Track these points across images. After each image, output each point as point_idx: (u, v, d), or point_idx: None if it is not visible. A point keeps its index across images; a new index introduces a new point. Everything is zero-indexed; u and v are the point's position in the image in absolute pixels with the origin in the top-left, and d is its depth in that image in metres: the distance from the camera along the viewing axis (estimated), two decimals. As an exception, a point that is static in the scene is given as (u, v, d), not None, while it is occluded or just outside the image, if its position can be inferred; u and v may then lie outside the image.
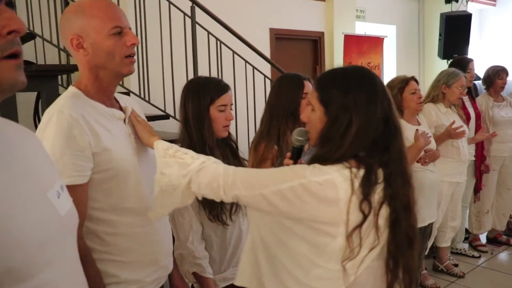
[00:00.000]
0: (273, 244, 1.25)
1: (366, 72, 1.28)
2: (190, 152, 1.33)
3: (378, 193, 1.17)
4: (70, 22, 1.33)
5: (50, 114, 1.28)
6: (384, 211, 1.18)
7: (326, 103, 1.23)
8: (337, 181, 1.13)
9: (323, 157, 1.19)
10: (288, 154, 1.41)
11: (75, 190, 1.23)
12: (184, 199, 1.31)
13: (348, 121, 1.18)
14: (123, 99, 1.52)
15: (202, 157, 1.31)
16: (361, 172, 1.16)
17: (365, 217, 1.14)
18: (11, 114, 2.92)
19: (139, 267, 1.40)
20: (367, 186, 1.15)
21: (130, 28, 1.37)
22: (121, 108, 1.46)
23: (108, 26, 1.31)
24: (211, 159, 1.31)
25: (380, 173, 1.18)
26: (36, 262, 0.77)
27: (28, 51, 3.66)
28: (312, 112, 1.27)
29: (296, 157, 1.39)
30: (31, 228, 0.77)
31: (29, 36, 3.18)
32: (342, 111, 1.19)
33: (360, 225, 1.14)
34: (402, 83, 2.91)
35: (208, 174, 1.26)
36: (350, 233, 1.14)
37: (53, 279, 0.80)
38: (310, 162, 1.20)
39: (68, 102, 1.31)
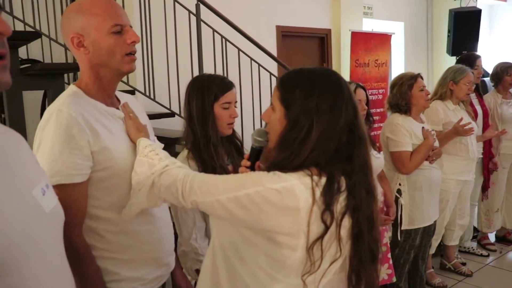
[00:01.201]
0: (232, 255, 1.19)
1: (333, 75, 1.19)
2: (161, 153, 1.31)
3: (340, 203, 1.11)
4: (70, 21, 1.33)
5: (50, 113, 1.29)
6: (346, 222, 1.12)
7: (288, 104, 1.15)
8: (297, 189, 1.07)
9: (281, 164, 1.12)
10: (246, 155, 1.34)
11: (74, 189, 1.24)
12: (151, 200, 1.29)
13: (308, 126, 1.11)
14: (123, 98, 1.52)
15: (168, 160, 1.28)
16: (323, 180, 1.09)
17: (327, 228, 1.08)
18: (18, 112, 2.94)
19: (140, 265, 1.40)
20: (329, 196, 1.08)
21: (130, 26, 1.37)
22: None
23: (108, 24, 1.31)
24: (176, 163, 1.28)
25: (343, 182, 1.12)
26: (18, 257, 0.78)
27: (34, 50, 3.69)
28: (273, 112, 1.19)
29: (254, 159, 1.31)
30: (14, 224, 0.78)
31: (35, 35, 3.20)
32: (303, 115, 1.11)
33: (321, 237, 1.08)
34: (412, 79, 2.88)
35: (168, 178, 1.23)
36: (311, 245, 1.08)
37: (36, 275, 0.81)
38: (269, 168, 1.13)
39: (68, 101, 1.31)
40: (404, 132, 2.81)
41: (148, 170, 1.27)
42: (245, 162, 1.32)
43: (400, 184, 2.86)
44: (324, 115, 1.12)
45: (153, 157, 1.29)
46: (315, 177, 1.09)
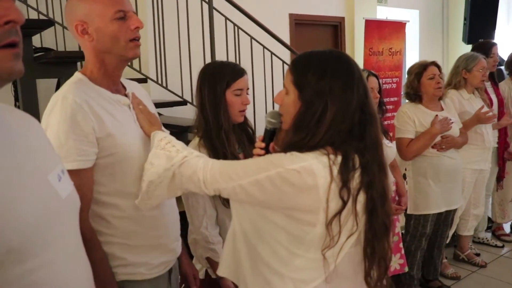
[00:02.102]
0: (252, 235, 1.23)
1: (344, 57, 1.23)
2: (178, 145, 1.33)
3: (355, 179, 1.15)
4: (74, 9, 1.34)
5: (55, 100, 1.31)
6: (362, 197, 1.17)
7: (301, 86, 1.19)
8: (315, 168, 1.11)
9: (298, 144, 1.16)
10: (260, 136, 1.36)
11: (79, 174, 1.25)
12: (171, 191, 1.32)
13: (323, 108, 1.14)
14: (129, 85, 1.52)
15: (186, 151, 1.31)
16: (339, 158, 1.13)
17: (344, 204, 1.13)
18: (32, 100, 2.98)
19: (146, 251, 1.42)
20: (346, 173, 1.12)
21: (134, 12, 1.37)
22: (126, 95, 1.47)
23: (111, 10, 1.31)
24: (194, 153, 1.31)
25: (356, 159, 1.16)
26: (36, 243, 0.78)
27: (48, 38, 3.71)
28: (286, 95, 1.23)
29: (268, 140, 1.34)
30: (31, 210, 0.79)
31: (49, 23, 3.21)
32: (317, 97, 1.15)
33: (339, 212, 1.12)
34: (420, 68, 2.89)
35: (189, 168, 1.26)
36: (330, 221, 1.12)
37: (53, 260, 0.82)
38: (285, 149, 1.17)
39: (72, 88, 1.32)
40: (407, 119, 2.85)
41: (167, 163, 1.29)
42: (260, 144, 1.35)
43: (406, 169, 2.90)
44: (337, 96, 1.15)
45: (170, 149, 1.31)
46: (332, 156, 1.13)
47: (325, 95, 1.15)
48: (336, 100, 1.15)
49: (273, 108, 3.81)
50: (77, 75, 1.39)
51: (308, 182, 1.10)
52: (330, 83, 1.16)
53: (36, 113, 2.90)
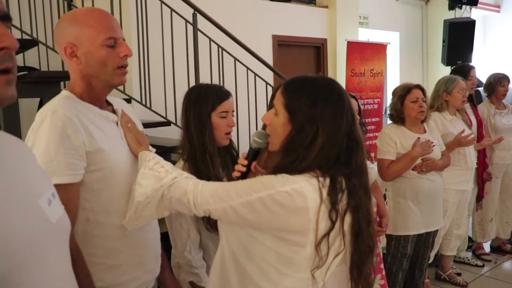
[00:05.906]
0: (241, 255, 1.24)
1: (335, 84, 1.27)
2: (167, 166, 1.34)
3: (342, 201, 1.18)
4: (64, 30, 1.35)
5: (44, 115, 1.29)
6: (348, 218, 1.20)
7: (292, 111, 1.21)
8: (306, 190, 1.13)
9: (288, 167, 1.18)
10: (244, 153, 1.38)
11: (67, 190, 1.24)
12: (159, 212, 1.32)
13: (314, 133, 1.17)
14: (115, 102, 1.52)
15: (175, 172, 1.31)
16: (327, 181, 1.17)
17: (333, 224, 1.16)
18: (14, 120, 2.94)
19: (125, 270, 1.40)
20: (334, 195, 1.16)
21: (124, 39, 1.39)
22: (113, 111, 1.47)
23: (102, 36, 1.32)
24: (183, 174, 1.31)
25: (343, 182, 1.19)
26: (25, 268, 0.77)
27: (31, 58, 3.69)
28: (275, 116, 1.25)
29: (251, 159, 1.36)
30: (19, 236, 0.78)
31: (32, 42, 3.20)
32: (309, 122, 1.18)
33: (328, 233, 1.15)
34: (404, 90, 2.91)
35: (178, 189, 1.27)
36: (319, 242, 1.15)
37: (41, 285, 0.80)
38: (275, 171, 1.19)
39: (62, 102, 1.32)
40: (388, 141, 2.88)
41: (156, 183, 1.29)
42: (242, 161, 1.36)
43: (386, 190, 2.93)
44: (328, 123, 1.19)
45: (159, 170, 1.31)
46: (321, 179, 1.16)
47: (317, 121, 1.18)
48: (327, 126, 1.18)
49: (256, 129, 3.82)
50: (64, 92, 1.39)
51: (298, 204, 1.13)
52: (322, 110, 1.19)
53: (18, 133, 2.86)
